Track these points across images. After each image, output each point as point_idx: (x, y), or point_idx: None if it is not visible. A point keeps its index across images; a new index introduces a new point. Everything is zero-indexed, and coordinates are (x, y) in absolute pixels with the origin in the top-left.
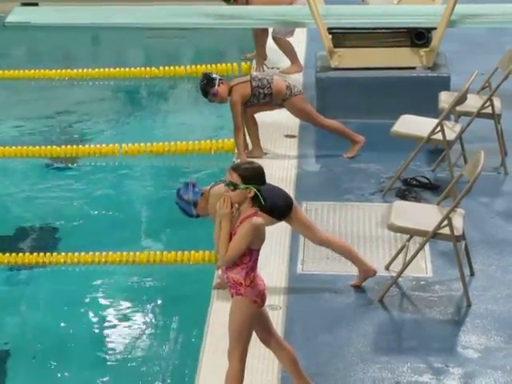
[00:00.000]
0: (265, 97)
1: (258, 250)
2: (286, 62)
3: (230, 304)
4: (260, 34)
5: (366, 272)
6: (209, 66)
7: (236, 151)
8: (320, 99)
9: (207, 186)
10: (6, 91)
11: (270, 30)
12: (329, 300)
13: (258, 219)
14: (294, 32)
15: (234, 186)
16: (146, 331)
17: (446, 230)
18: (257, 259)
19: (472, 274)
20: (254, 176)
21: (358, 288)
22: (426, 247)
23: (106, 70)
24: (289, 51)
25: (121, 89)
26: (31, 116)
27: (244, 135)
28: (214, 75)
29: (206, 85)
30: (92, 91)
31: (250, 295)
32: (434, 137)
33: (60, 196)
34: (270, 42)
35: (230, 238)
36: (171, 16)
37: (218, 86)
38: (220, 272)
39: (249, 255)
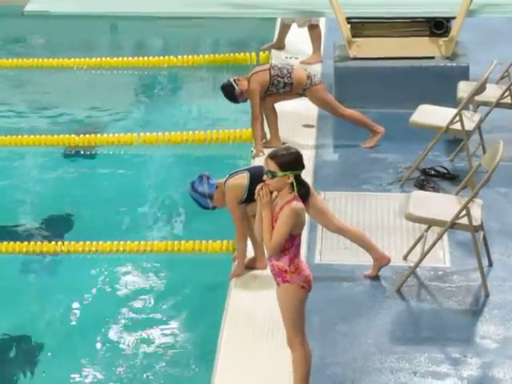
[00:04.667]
0: (285, 86)
1: (299, 236)
2: (304, 53)
3: (277, 292)
4: (284, 25)
5: (380, 260)
6: (227, 55)
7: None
8: (338, 89)
9: (222, 179)
10: (25, 80)
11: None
12: (346, 290)
13: (298, 204)
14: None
15: (273, 175)
16: (164, 320)
17: (465, 220)
18: (299, 245)
19: (490, 264)
20: (291, 162)
21: (373, 278)
22: (444, 237)
23: (125, 58)
24: (316, 40)
25: (139, 78)
26: (49, 105)
27: (262, 125)
28: (228, 80)
29: (229, 92)
30: (110, 80)
31: (297, 281)
32: (453, 127)
33: (78, 185)
34: (290, 34)
35: (273, 226)
36: (189, 5)
37: (237, 85)
38: (236, 263)
39: (290, 241)
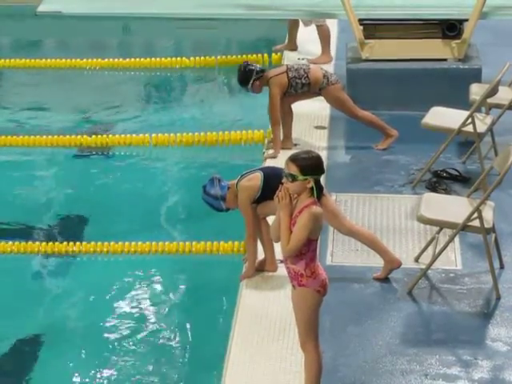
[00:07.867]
0: (303, 87)
1: (316, 240)
2: (316, 54)
3: (292, 295)
4: (292, 25)
5: (391, 263)
6: (239, 56)
7: (268, 143)
8: (350, 91)
9: (234, 180)
10: (37, 80)
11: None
12: (358, 292)
13: (318, 208)
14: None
15: (293, 178)
16: (174, 321)
17: (476, 223)
18: (315, 249)
19: (502, 267)
20: (312, 167)
21: (384, 280)
22: (456, 239)
23: (137, 59)
24: (325, 40)
25: (151, 79)
26: (62, 105)
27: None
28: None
29: (250, 75)
30: (122, 81)
31: (313, 285)
32: (465, 129)
33: (90, 186)
34: (302, 34)
35: (290, 229)
36: (202, 6)
37: (259, 79)
38: (247, 264)
39: (307, 245)
